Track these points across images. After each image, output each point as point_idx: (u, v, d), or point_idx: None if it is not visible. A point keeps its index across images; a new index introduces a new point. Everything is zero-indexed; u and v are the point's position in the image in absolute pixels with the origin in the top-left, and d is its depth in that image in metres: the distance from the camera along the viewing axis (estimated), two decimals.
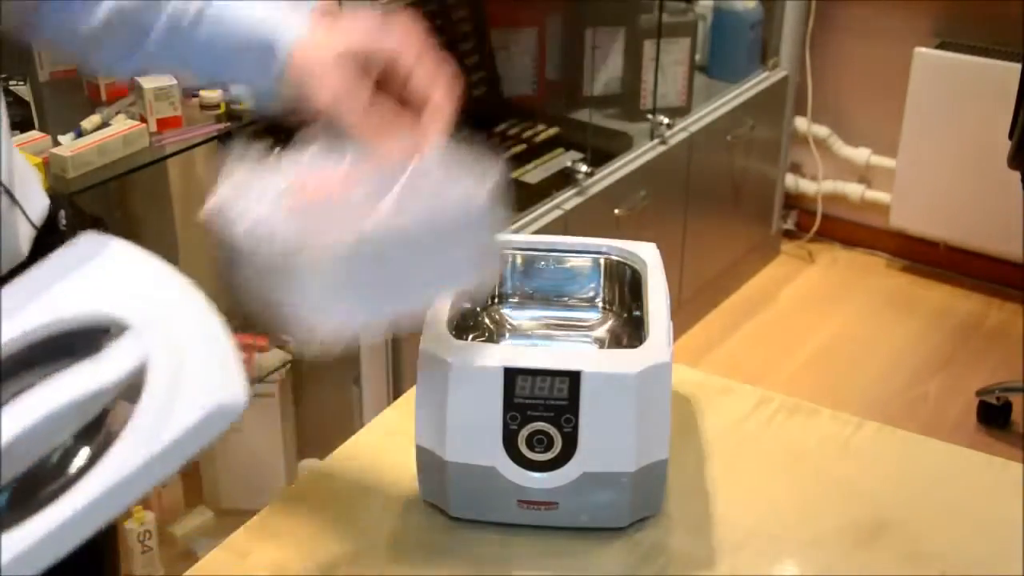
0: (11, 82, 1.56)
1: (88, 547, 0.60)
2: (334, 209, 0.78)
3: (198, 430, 0.58)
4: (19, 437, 0.58)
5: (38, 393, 0.60)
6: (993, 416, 2.56)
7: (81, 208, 1.02)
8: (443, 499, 0.94)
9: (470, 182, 0.79)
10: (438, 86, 0.84)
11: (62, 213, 0.97)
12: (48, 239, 0.94)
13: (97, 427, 0.60)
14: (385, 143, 0.82)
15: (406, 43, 0.84)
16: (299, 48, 0.85)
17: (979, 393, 2.58)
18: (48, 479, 0.57)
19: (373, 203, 0.77)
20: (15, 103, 1.55)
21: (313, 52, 0.85)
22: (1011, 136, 2.09)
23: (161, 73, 0.90)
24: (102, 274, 0.67)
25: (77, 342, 0.64)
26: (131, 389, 0.60)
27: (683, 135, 2.65)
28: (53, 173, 1.54)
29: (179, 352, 0.61)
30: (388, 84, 0.85)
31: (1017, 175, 2.12)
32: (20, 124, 1.56)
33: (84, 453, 0.58)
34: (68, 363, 0.62)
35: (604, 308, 1.08)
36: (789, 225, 3.26)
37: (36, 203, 0.93)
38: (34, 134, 1.56)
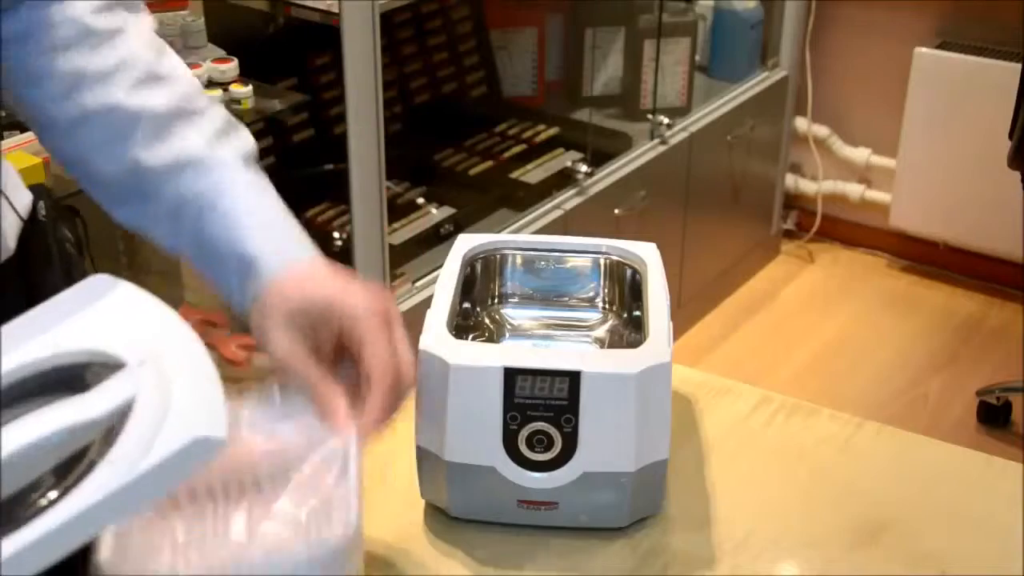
0: None
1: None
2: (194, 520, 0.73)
3: (176, 460, 0.59)
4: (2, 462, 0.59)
5: (24, 422, 0.61)
6: (993, 416, 2.56)
7: (56, 199, 1.03)
8: (443, 499, 0.94)
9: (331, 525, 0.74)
10: (381, 376, 0.79)
11: (41, 204, 0.97)
12: (31, 231, 0.95)
13: (80, 460, 0.61)
14: (327, 413, 0.79)
15: (367, 315, 0.81)
16: (266, 291, 0.82)
17: (979, 393, 2.58)
18: (24, 508, 0.58)
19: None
20: None
21: (274, 301, 0.81)
22: (1011, 136, 2.09)
23: (154, 239, 0.90)
24: (106, 314, 0.69)
25: (76, 377, 0.65)
26: (119, 424, 0.61)
27: (683, 135, 2.65)
28: (53, 173, 1.54)
29: (168, 391, 0.62)
30: (348, 348, 0.81)
31: (1017, 175, 2.12)
32: (20, 124, 1.56)
33: (63, 485, 0.59)
34: (64, 397, 0.64)
35: (604, 308, 1.08)
36: (789, 225, 3.26)
37: (21, 197, 0.94)
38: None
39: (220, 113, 0.89)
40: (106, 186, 0.89)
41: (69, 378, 0.65)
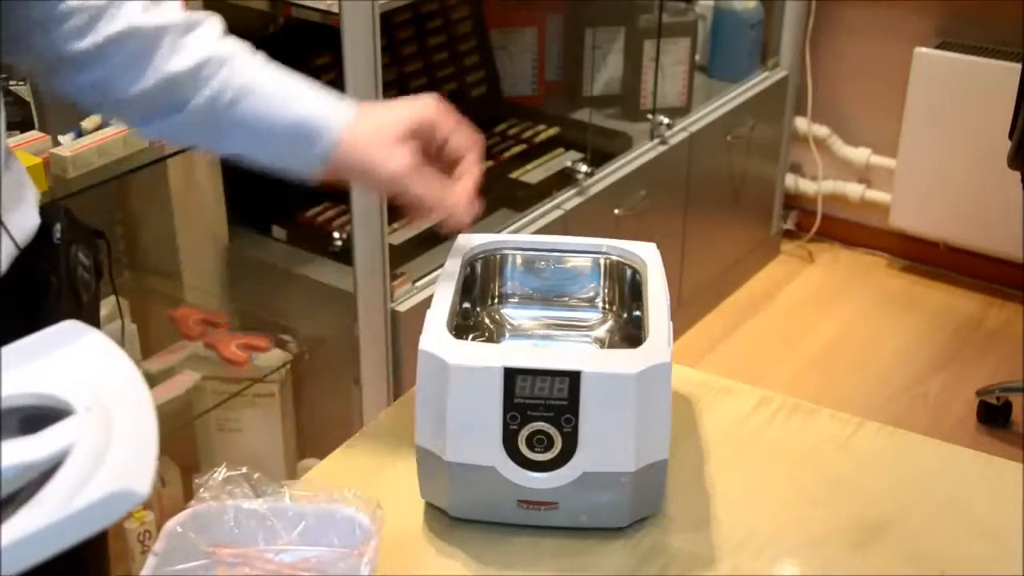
0: (11, 82, 1.56)
1: (72, 551, 0.61)
2: None
3: (96, 509, 0.62)
4: None
5: None
6: (993, 416, 2.56)
7: (78, 220, 1.02)
8: (443, 499, 0.94)
9: None
10: (471, 150, 0.99)
11: (58, 226, 0.96)
12: (41, 252, 0.94)
13: (13, 500, 0.63)
14: (442, 204, 0.96)
15: (444, 114, 0.98)
16: (350, 133, 0.94)
17: (979, 393, 2.58)
18: None
19: None
20: (15, 103, 1.55)
21: (370, 134, 0.95)
22: (1011, 136, 2.09)
23: (187, 144, 0.98)
24: (67, 361, 0.72)
25: (28, 418, 0.68)
26: (55, 469, 0.64)
27: (683, 135, 2.65)
28: (53, 173, 1.54)
29: (107, 441, 0.66)
30: (425, 148, 0.97)
31: (1017, 175, 2.12)
32: (20, 124, 1.56)
33: None
34: (13, 436, 0.67)
35: (604, 308, 1.08)
36: (789, 225, 3.26)
37: (24, 222, 0.92)
38: (34, 134, 1.56)
39: (215, 17, 0.97)
40: (133, 105, 0.94)
41: (21, 419, 0.68)
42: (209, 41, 0.94)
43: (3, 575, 0.59)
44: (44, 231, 0.95)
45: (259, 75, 0.95)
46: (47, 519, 0.60)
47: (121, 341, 0.77)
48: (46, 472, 0.63)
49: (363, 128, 0.95)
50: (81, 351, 0.73)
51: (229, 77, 0.93)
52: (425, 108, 0.97)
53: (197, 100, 0.93)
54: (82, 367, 0.72)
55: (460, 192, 0.97)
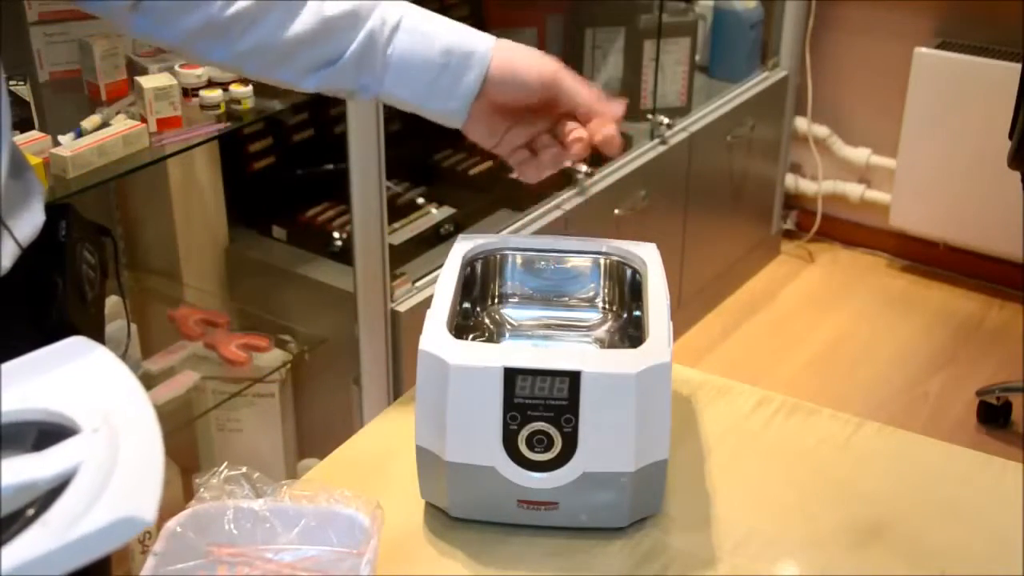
0: (11, 82, 1.55)
1: None
2: None
3: (102, 534, 0.62)
4: None
5: None
6: (993, 416, 2.57)
7: (83, 218, 1.01)
8: (443, 499, 0.94)
9: None
10: (600, 97, 1.02)
11: (63, 224, 0.96)
12: (46, 250, 0.94)
13: (17, 518, 0.63)
14: (598, 105, 1.01)
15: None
16: (499, 51, 0.98)
17: (979, 393, 2.58)
18: None
19: None
20: (15, 103, 1.55)
21: (517, 50, 0.98)
22: (1011, 136, 2.09)
23: (347, 92, 1.01)
24: (74, 377, 0.72)
25: (31, 434, 0.68)
26: (61, 488, 0.64)
27: (683, 135, 2.65)
28: (53, 173, 1.54)
29: (113, 463, 0.65)
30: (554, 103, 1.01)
31: (1017, 175, 2.12)
32: (20, 124, 1.56)
33: None
34: (14, 452, 0.66)
35: (604, 308, 1.08)
36: (789, 225, 3.26)
37: (29, 221, 0.92)
38: (34, 134, 1.56)
39: None
40: (294, 59, 0.96)
41: (23, 434, 0.68)
42: None
43: None
44: (49, 229, 0.94)
45: (406, 11, 0.98)
46: (50, 544, 0.60)
47: (126, 340, 0.77)
48: (52, 490, 0.63)
49: (508, 46, 0.98)
50: (88, 368, 0.73)
51: (382, 16, 0.96)
52: (569, 81, 1.00)
53: (356, 43, 0.95)
54: (89, 385, 0.72)
55: (613, 109, 1.01)
